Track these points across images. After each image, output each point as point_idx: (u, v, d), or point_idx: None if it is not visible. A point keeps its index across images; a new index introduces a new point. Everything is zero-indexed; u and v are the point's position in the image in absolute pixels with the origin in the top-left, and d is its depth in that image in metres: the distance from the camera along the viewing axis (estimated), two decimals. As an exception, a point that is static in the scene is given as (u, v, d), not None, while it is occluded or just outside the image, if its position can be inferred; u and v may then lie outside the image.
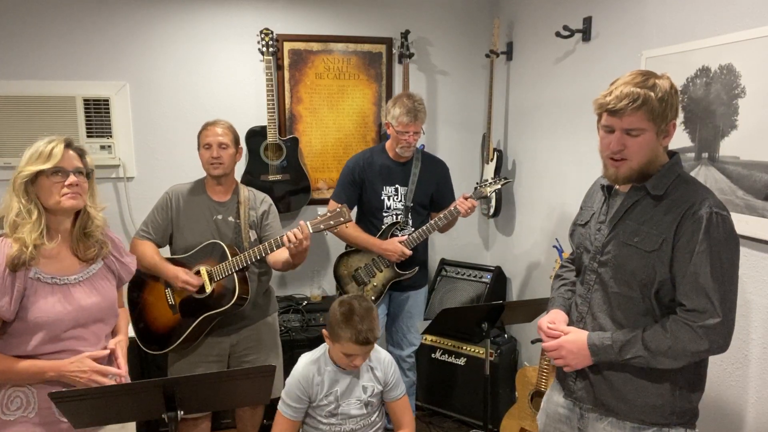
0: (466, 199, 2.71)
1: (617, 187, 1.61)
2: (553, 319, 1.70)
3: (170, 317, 2.44)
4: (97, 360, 1.70)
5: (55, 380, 1.66)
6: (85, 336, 1.71)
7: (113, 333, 1.88)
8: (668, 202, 1.48)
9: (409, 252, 2.79)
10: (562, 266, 1.90)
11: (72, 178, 1.66)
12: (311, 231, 2.24)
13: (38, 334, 1.63)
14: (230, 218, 2.51)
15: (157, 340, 2.46)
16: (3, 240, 1.63)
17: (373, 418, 2.11)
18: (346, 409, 2.04)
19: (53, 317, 1.63)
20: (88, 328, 1.72)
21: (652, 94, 1.42)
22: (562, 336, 1.61)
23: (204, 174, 2.56)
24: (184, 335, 2.41)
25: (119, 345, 1.82)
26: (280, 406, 2.06)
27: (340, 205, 2.31)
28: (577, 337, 1.58)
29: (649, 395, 1.53)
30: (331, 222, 2.27)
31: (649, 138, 1.45)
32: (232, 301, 2.36)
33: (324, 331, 2.05)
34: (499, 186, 2.82)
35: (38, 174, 1.64)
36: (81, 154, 1.73)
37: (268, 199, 2.63)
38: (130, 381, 1.80)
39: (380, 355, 2.15)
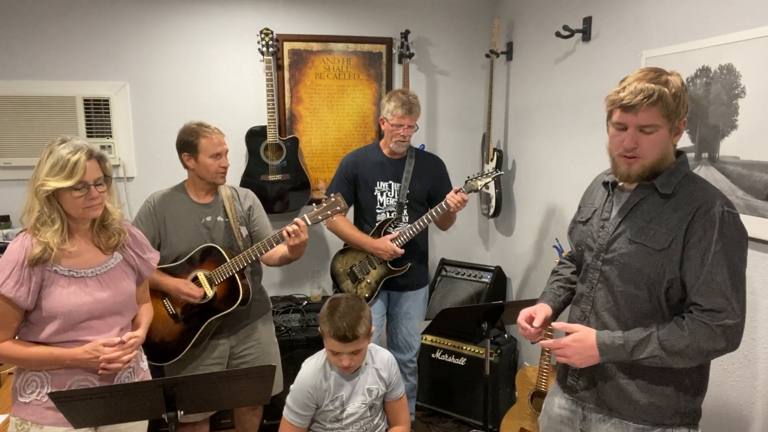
0: (456, 192, 2.71)
1: (621, 183, 1.58)
2: (533, 312, 1.68)
3: (173, 326, 2.41)
4: (109, 346, 1.76)
5: (75, 366, 1.73)
6: (100, 327, 1.77)
7: (134, 327, 1.92)
8: (676, 201, 1.47)
9: (400, 251, 2.78)
10: (560, 263, 1.89)
11: (93, 192, 1.70)
12: (309, 223, 2.26)
13: (53, 324, 1.70)
14: (219, 218, 2.47)
15: (165, 352, 2.43)
16: (25, 235, 1.70)
17: (376, 421, 2.10)
18: (350, 413, 2.03)
19: (68, 308, 1.70)
20: (104, 319, 1.78)
21: (666, 90, 1.40)
22: (571, 335, 1.56)
23: (184, 178, 2.52)
24: (192, 341, 2.39)
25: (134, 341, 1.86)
26: (286, 413, 2.04)
27: (334, 194, 2.32)
28: (585, 336, 1.53)
29: (654, 396, 1.52)
30: (328, 212, 2.29)
31: (663, 135, 1.44)
32: (237, 302, 2.36)
33: (319, 328, 2.06)
34: (490, 179, 2.81)
35: (59, 188, 1.66)
36: (101, 160, 1.75)
37: (251, 193, 2.61)
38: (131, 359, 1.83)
39: (383, 355, 2.14)
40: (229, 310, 2.37)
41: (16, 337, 1.73)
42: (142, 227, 2.42)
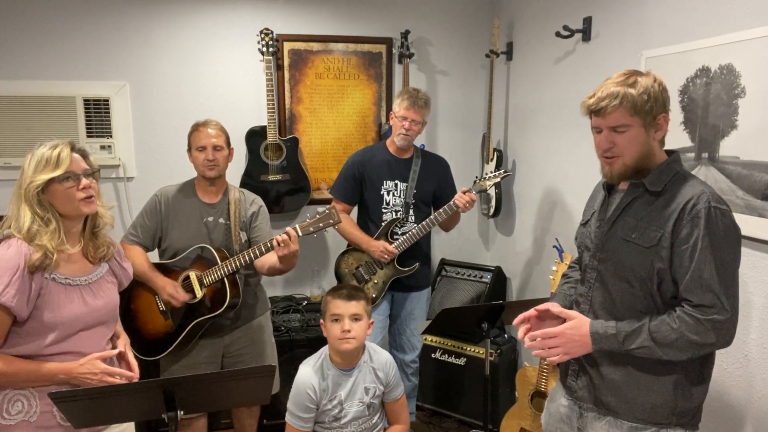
0: (464, 192, 2.71)
1: (618, 186, 1.61)
2: (539, 307, 1.67)
3: (162, 323, 2.42)
4: (104, 361, 1.70)
5: (65, 382, 1.65)
6: (89, 337, 1.72)
7: (113, 337, 1.88)
8: (666, 198, 1.49)
9: (393, 250, 2.78)
10: (569, 266, 1.91)
11: (84, 181, 1.66)
12: (300, 234, 2.22)
13: (51, 335, 1.63)
14: (221, 220, 2.48)
15: (151, 346, 2.43)
16: (17, 241, 1.60)
17: (374, 420, 2.12)
18: (348, 412, 2.05)
19: (67, 318, 1.65)
20: (92, 330, 1.73)
21: (632, 90, 1.45)
22: (564, 324, 1.58)
23: (194, 175, 2.54)
24: (177, 341, 2.40)
25: (127, 347, 1.83)
26: (289, 418, 2.05)
27: (329, 207, 2.30)
28: (580, 325, 1.55)
29: (649, 394, 1.52)
30: (320, 224, 2.25)
31: (637, 132, 1.48)
32: (224, 306, 2.35)
33: (321, 321, 2.08)
34: (499, 179, 2.81)
35: (49, 181, 1.62)
36: (84, 155, 1.72)
37: (259, 200, 2.60)
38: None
39: (381, 356, 2.16)
40: (215, 314, 2.36)
41: None
42: (146, 220, 2.47)
